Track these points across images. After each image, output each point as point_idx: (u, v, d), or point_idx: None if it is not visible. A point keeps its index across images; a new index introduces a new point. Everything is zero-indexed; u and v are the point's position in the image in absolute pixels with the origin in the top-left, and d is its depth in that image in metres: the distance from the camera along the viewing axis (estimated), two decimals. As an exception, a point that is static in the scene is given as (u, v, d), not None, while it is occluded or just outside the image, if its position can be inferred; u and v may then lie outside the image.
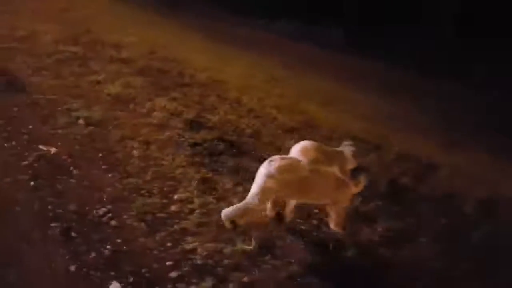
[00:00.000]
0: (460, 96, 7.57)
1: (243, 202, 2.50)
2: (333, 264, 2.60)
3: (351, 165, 3.01)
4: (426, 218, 3.21)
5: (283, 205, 2.73)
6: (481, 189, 3.69)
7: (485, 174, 4.19)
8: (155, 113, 4.22)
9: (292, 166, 2.54)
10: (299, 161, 2.64)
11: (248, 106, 5.25)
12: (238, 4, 11.36)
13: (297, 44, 9.97)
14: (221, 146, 3.91)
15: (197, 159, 3.54)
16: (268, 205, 2.69)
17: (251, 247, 2.57)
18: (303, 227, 2.92)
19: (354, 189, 2.67)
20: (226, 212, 2.46)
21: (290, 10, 10.84)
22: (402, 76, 8.36)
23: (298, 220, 2.98)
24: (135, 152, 3.40)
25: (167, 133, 3.88)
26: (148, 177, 3.11)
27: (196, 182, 3.18)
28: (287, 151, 3.10)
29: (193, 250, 2.47)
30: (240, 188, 3.26)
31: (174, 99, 4.75)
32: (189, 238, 2.56)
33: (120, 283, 2.16)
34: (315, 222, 2.98)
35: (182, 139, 3.84)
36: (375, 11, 10.60)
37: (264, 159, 2.59)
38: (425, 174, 3.94)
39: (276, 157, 2.57)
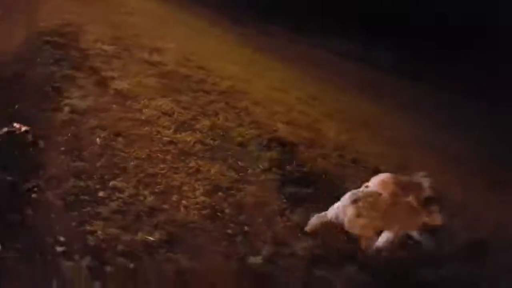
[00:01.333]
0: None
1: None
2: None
3: (427, 195, 2.99)
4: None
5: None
6: None
7: None
8: (146, 110, 4.38)
9: (375, 202, 2.76)
10: (379, 194, 2.81)
11: (255, 117, 5.26)
12: (294, 21, 11.34)
13: (345, 64, 9.82)
14: (196, 148, 3.99)
15: (160, 155, 3.64)
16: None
17: (153, 238, 2.62)
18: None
19: (427, 220, 2.88)
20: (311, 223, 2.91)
21: (347, 30, 10.75)
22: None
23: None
24: (98, 140, 3.55)
25: (146, 129, 4.01)
26: (97, 164, 3.23)
27: (143, 175, 3.26)
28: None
29: (93, 232, 2.54)
30: (186, 187, 3.32)
31: (177, 101, 4.90)
32: (97, 222, 2.63)
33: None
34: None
35: (158, 136, 3.96)
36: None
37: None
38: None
39: (357, 191, 2.83)
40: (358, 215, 2.72)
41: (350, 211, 2.73)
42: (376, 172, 4.53)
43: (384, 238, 2.89)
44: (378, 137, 6.06)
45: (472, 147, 6.86)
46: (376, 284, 2.81)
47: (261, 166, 4.08)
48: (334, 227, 2.92)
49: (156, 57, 6.32)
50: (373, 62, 10.69)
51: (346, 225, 2.77)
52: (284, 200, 3.59)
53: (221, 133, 4.46)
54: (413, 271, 3.06)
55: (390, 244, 2.89)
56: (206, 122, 4.53)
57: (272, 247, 2.97)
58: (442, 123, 7.65)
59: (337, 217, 2.83)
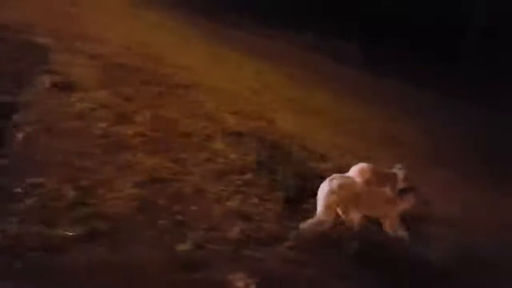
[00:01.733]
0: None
1: (315, 217, 2.99)
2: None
3: (401, 186, 3.22)
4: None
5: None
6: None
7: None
8: (81, 103, 4.15)
9: (350, 184, 3.04)
10: (355, 180, 3.11)
11: (204, 109, 5.14)
12: (262, 14, 11.35)
13: (307, 56, 9.80)
14: (135, 141, 3.84)
15: (89, 149, 3.46)
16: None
17: (72, 233, 2.53)
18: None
19: (402, 206, 3.14)
20: (302, 227, 2.97)
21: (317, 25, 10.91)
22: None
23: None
24: (20, 136, 3.33)
25: (77, 122, 3.81)
26: (17, 161, 3.06)
27: (68, 170, 3.09)
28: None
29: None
30: (116, 181, 3.17)
31: (119, 93, 4.70)
32: (10, 219, 2.48)
33: None
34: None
35: (90, 129, 3.77)
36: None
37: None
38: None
39: (337, 175, 3.10)
40: (332, 192, 2.95)
41: (326, 187, 2.98)
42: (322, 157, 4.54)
43: (353, 218, 3.16)
44: (329, 126, 6.00)
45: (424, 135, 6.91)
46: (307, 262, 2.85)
47: (204, 157, 3.95)
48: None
49: (102, 49, 6.10)
50: (339, 56, 10.64)
51: (320, 200, 2.99)
52: (223, 188, 3.48)
53: (165, 125, 4.31)
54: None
55: (356, 224, 3.16)
56: (147, 114, 4.37)
57: (203, 233, 2.87)
58: (398, 113, 7.72)
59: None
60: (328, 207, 2.98)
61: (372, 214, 3.23)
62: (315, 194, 3.09)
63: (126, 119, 4.16)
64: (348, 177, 3.16)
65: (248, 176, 3.74)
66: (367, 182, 3.12)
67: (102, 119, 3.99)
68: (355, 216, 3.15)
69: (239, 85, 6.64)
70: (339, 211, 3.10)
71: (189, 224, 2.94)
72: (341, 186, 2.98)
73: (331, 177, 3.06)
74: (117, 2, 9.63)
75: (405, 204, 3.14)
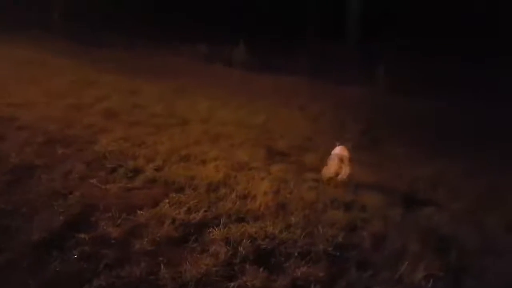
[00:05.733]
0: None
1: (327, 168, 4.58)
2: None
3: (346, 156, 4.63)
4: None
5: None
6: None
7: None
8: None
9: (341, 154, 4.55)
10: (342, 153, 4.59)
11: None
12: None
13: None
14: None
15: None
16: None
17: None
18: None
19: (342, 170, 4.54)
20: (323, 173, 4.60)
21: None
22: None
23: None
24: None
25: None
26: None
27: None
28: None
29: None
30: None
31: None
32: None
33: None
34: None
35: None
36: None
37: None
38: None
39: (337, 148, 4.60)
40: (335, 157, 4.56)
41: (332, 155, 4.61)
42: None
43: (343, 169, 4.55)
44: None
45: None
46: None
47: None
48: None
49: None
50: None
51: (330, 160, 4.60)
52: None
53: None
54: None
55: (344, 173, 4.52)
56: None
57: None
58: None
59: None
60: (333, 164, 4.52)
61: (345, 170, 4.54)
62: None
63: None
64: (340, 151, 4.60)
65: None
66: (344, 153, 4.58)
67: None
68: (345, 170, 4.52)
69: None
70: (338, 166, 4.52)
71: None
72: (341, 154, 4.53)
73: (334, 150, 4.60)
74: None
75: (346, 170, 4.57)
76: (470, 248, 3.48)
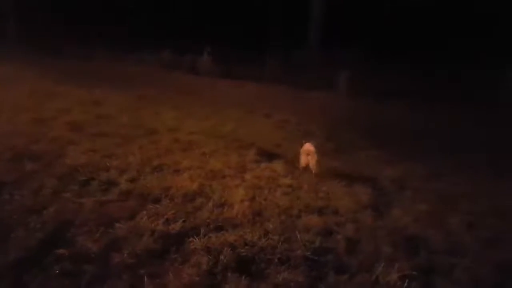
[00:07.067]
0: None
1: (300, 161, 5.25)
2: None
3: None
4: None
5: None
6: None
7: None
8: None
9: (310, 148, 5.14)
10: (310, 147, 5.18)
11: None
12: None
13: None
14: None
15: None
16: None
17: None
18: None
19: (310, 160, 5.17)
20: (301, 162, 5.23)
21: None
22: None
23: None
24: None
25: None
26: None
27: None
28: None
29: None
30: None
31: None
32: None
33: None
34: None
35: None
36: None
37: None
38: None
39: (307, 145, 5.19)
40: (305, 151, 5.18)
41: (303, 149, 5.22)
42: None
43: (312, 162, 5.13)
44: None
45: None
46: None
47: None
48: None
49: None
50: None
51: (301, 154, 5.25)
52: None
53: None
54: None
55: (313, 164, 5.11)
56: None
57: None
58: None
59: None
60: (304, 157, 5.16)
61: (312, 161, 5.10)
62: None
63: None
64: (310, 145, 5.19)
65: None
66: (310, 148, 5.15)
67: None
68: (312, 161, 5.07)
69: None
70: (307, 159, 5.15)
71: None
72: (308, 149, 5.14)
73: (304, 145, 5.22)
74: None
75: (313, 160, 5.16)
76: (437, 248, 3.65)
